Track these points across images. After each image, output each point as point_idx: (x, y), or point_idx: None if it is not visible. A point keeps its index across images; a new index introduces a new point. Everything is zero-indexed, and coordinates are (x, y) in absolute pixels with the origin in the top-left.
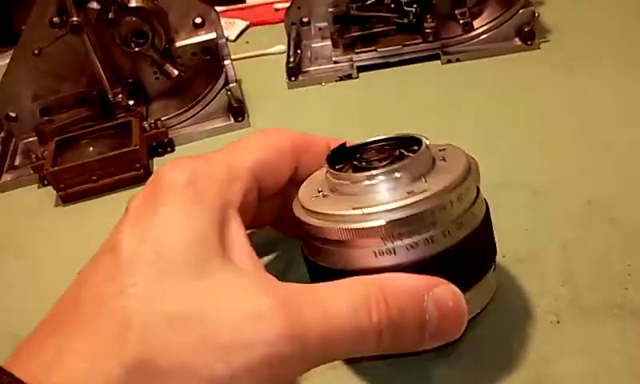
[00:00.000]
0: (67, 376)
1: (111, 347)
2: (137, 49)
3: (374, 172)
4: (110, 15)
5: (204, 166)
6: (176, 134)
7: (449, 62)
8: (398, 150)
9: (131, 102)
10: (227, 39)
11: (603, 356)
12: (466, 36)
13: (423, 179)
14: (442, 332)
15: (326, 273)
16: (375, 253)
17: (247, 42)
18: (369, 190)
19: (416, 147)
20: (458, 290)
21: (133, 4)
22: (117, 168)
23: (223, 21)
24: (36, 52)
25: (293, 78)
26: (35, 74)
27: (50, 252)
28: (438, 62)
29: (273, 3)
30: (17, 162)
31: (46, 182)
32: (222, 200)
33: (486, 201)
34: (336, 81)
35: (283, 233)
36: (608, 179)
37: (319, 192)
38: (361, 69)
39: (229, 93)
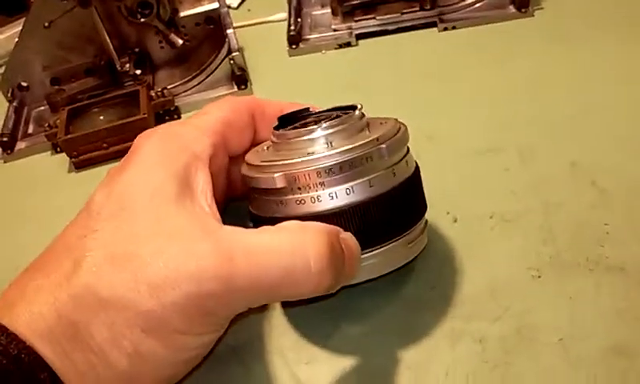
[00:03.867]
0: (25, 308)
1: (64, 280)
2: (142, 19)
3: (302, 129)
4: None
5: (172, 129)
6: (182, 101)
7: (445, 29)
8: (336, 114)
9: (138, 72)
10: (229, 7)
11: (579, 308)
12: (461, 4)
13: (350, 138)
14: (348, 272)
15: (261, 221)
16: (297, 202)
17: (249, 10)
18: (300, 146)
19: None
20: (352, 236)
21: None
22: (126, 135)
23: None
24: (46, 24)
25: (294, 46)
26: (45, 45)
27: (64, 216)
28: (435, 29)
29: None
30: (30, 130)
31: (59, 149)
32: (188, 154)
33: (417, 163)
34: (335, 48)
35: None
36: (591, 143)
37: (264, 149)
38: (360, 36)
39: (232, 61)
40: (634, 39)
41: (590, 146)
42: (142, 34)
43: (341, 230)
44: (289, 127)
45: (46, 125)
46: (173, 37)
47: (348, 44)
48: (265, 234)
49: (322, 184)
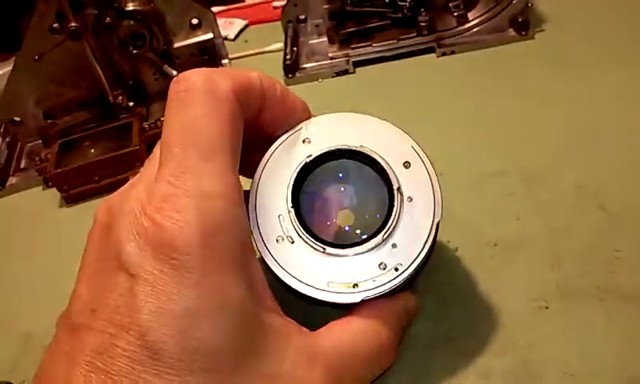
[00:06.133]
0: None
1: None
2: (135, 51)
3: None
4: (108, 19)
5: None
6: None
7: (444, 54)
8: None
9: (132, 104)
10: (227, 38)
11: (590, 340)
12: (460, 28)
13: (391, 243)
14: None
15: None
16: None
17: (246, 41)
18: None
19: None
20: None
21: (130, 7)
22: (118, 168)
23: (222, 20)
24: (37, 58)
25: (290, 75)
26: (37, 79)
27: (56, 251)
28: (434, 54)
29: (271, 1)
30: (22, 165)
31: (50, 184)
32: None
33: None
34: (332, 77)
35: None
36: (597, 166)
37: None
38: (357, 64)
39: None
40: (636, 61)
41: (596, 170)
42: (136, 66)
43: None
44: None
45: (37, 159)
46: (167, 68)
47: (345, 72)
48: (348, 329)
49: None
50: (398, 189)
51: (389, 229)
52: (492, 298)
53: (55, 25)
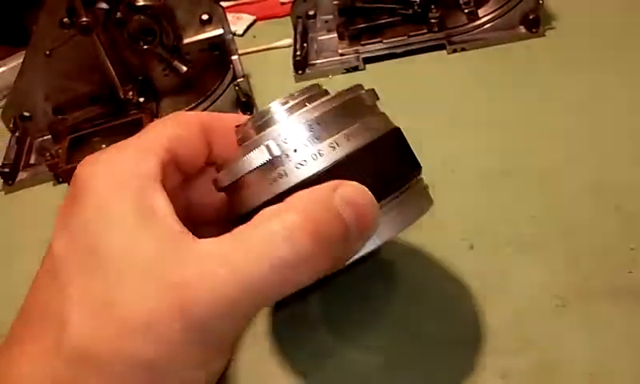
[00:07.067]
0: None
1: (54, 345)
2: (145, 47)
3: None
4: (119, 15)
5: (113, 155)
6: None
7: (454, 51)
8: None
9: (142, 99)
10: (235, 34)
11: (608, 339)
12: (471, 25)
13: (306, 104)
14: (362, 230)
15: (239, 221)
16: (269, 181)
17: (254, 37)
18: (258, 131)
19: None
20: (358, 184)
21: (140, 3)
22: None
23: (230, 16)
24: (47, 53)
25: (300, 72)
26: (47, 74)
27: None
28: (444, 51)
29: None
30: (32, 160)
31: (60, 180)
32: (138, 177)
33: (398, 127)
34: (342, 73)
35: None
36: (613, 165)
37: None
38: (367, 60)
39: (237, 88)
40: None
41: (611, 168)
42: (146, 62)
43: (340, 183)
44: None
45: (48, 154)
46: (177, 64)
47: (355, 68)
48: (242, 235)
49: (318, 138)
50: None
51: None
52: (507, 296)
53: (65, 19)
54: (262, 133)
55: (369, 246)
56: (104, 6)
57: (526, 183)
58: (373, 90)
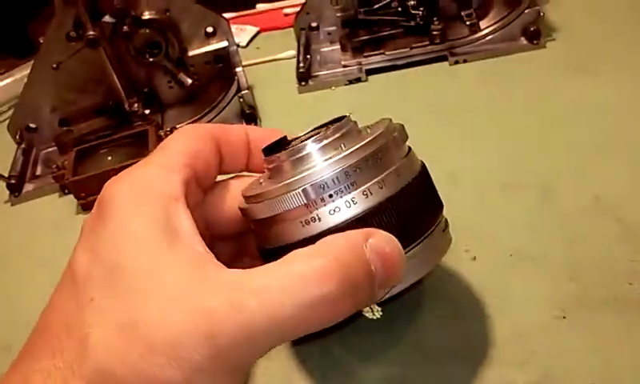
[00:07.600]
0: None
1: (73, 364)
2: (151, 59)
3: (292, 147)
4: (125, 28)
5: (138, 172)
6: None
7: (456, 63)
8: (327, 127)
9: (147, 111)
10: (238, 46)
11: (609, 350)
12: (472, 37)
13: (342, 146)
14: (387, 279)
15: (266, 253)
16: (302, 223)
17: (258, 48)
18: (293, 167)
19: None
20: (389, 234)
21: (146, 16)
22: None
23: (234, 27)
24: (54, 66)
25: (303, 83)
26: (54, 87)
27: None
28: (446, 63)
29: (282, 8)
30: (38, 172)
31: (66, 191)
32: (163, 197)
33: (423, 162)
34: (345, 85)
35: None
36: (614, 178)
37: (260, 182)
38: (370, 72)
39: (241, 99)
40: None
41: (613, 180)
42: (151, 74)
43: (372, 232)
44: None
45: (54, 166)
46: (182, 76)
47: (358, 80)
48: (275, 272)
49: (353, 184)
50: None
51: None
52: (510, 307)
53: (72, 33)
54: (300, 173)
55: (393, 291)
56: (110, 19)
57: (527, 195)
58: (402, 126)
